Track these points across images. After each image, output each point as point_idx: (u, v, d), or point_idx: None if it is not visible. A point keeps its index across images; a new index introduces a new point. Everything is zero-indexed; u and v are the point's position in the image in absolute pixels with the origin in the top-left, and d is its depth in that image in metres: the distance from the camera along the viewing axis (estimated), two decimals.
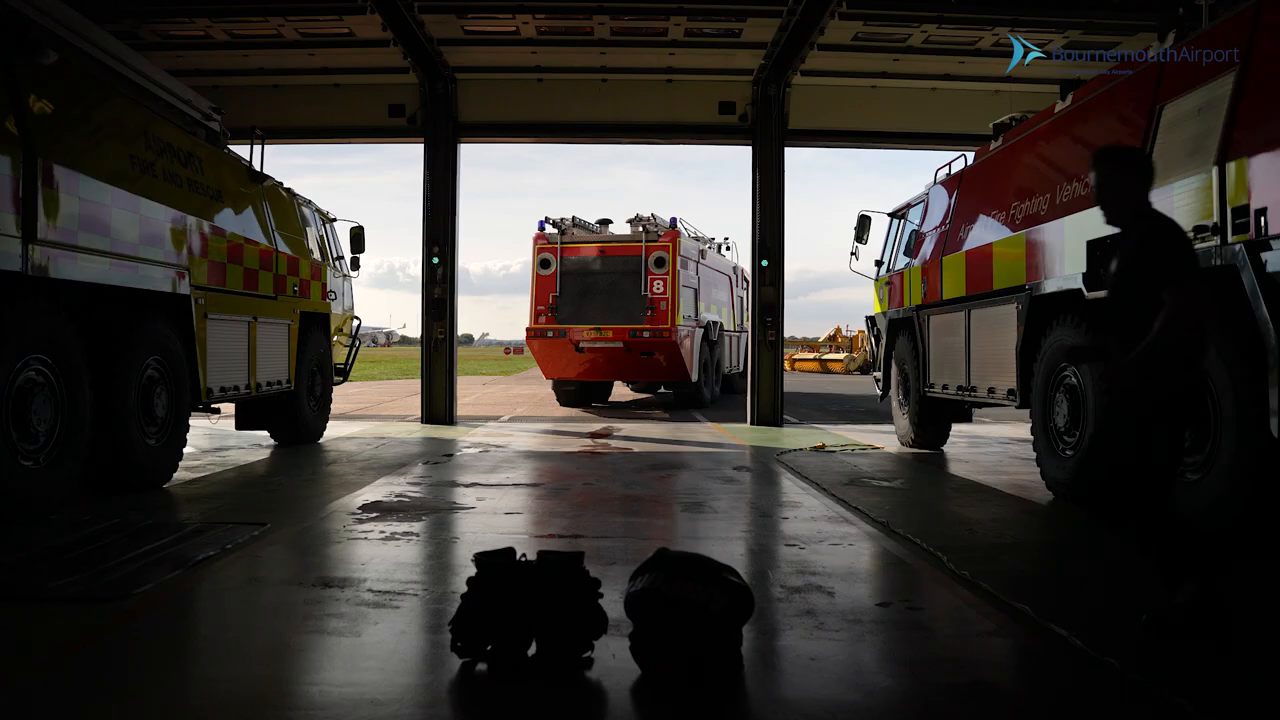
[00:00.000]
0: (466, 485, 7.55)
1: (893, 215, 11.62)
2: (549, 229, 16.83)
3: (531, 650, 3.27)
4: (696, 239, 18.64)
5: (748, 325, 17.63)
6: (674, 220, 17.01)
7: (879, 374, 11.77)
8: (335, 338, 11.77)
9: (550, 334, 16.25)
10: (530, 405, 18.89)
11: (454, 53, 13.20)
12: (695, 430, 13.14)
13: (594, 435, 12.37)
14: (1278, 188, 4.67)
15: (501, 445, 10.83)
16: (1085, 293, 6.41)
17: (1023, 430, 8.56)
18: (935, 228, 9.84)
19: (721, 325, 19.63)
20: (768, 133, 13.92)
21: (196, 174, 7.78)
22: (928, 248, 9.93)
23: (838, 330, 49.14)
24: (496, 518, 6.14)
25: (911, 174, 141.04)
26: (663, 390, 21.10)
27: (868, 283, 12.23)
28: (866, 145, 15.31)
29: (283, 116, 13.34)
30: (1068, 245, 6.69)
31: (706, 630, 3.12)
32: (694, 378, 17.27)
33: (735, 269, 21.96)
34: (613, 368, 16.89)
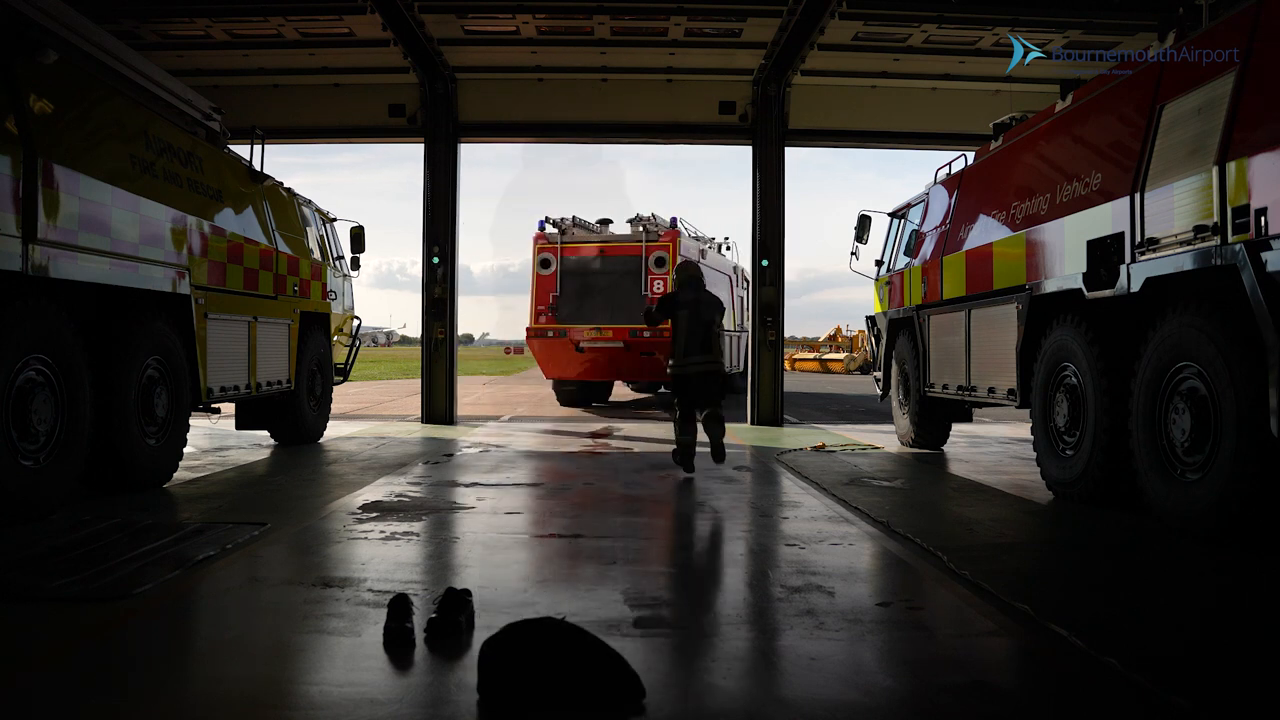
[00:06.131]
0: (467, 485, 7.55)
1: (893, 215, 11.62)
2: (549, 229, 16.83)
3: None
4: (696, 239, 18.63)
5: (748, 325, 17.63)
6: (674, 220, 17.01)
7: (879, 374, 11.77)
8: (335, 338, 11.78)
9: (550, 334, 16.25)
10: (530, 405, 18.88)
11: (454, 52, 13.20)
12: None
13: (594, 435, 12.37)
14: (1278, 188, 4.67)
15: (502, 445, 10.83)
16: (1085, 292, 6.41)
17: (1023, 430, 8.56)
18: (935, 227, 9.84)
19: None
20: (768, 132, 13.91)
21: (196, 174, 7.78)
22: (928, 247, 9.93)
23: (838, 330, 49.14)
24: (497, 517, 6.14)
25: (911, 174, 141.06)
26: (663, 390, 21.09)
27: (868, 283, 12.23)
28: (866, 145, 15.31)
29: (283, 116, 13.34)
30: (1068, 245, 6.69)
31: None
32: None
33: (735, 269, 21.94)
34: (613, 368, 16.88)
